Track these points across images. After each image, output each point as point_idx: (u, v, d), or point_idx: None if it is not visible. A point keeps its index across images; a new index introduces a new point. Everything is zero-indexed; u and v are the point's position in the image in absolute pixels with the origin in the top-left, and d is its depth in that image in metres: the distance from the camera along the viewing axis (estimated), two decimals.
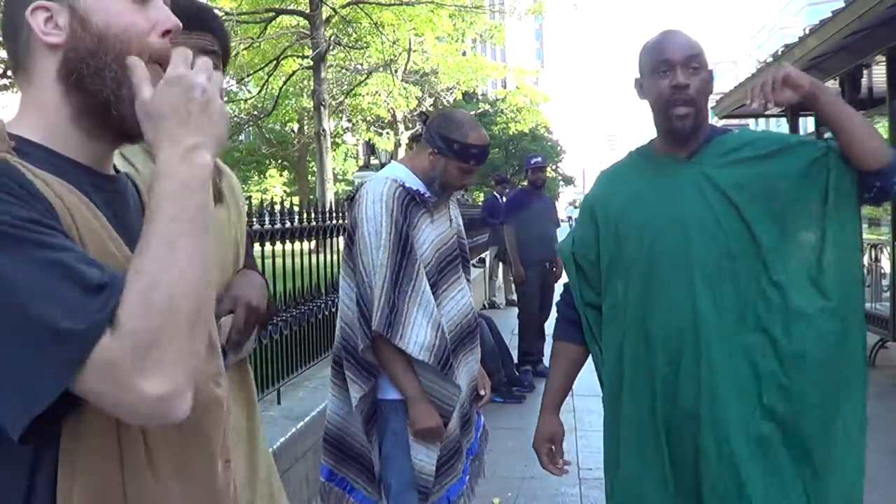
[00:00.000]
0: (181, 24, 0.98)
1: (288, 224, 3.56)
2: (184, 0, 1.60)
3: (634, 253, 1.84)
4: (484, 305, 10.47)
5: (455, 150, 2.31)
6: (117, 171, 1.03)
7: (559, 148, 42.18)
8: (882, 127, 7.22)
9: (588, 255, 1.98)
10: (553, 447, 2.05)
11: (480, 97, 30.56)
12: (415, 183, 2.34)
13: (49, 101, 0.93)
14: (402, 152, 20.89)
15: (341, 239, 3.68)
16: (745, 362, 1.73)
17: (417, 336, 2.19)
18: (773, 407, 1.72)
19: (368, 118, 21.82)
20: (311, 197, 6.51)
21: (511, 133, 31.54)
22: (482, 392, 2.54)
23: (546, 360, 6.77)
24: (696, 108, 1.79)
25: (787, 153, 1.79)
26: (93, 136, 0.95)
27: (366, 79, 18.00)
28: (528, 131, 31.69)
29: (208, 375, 1.01)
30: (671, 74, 1.79)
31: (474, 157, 2.32)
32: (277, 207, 3.51)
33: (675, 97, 1.78)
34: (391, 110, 20.44)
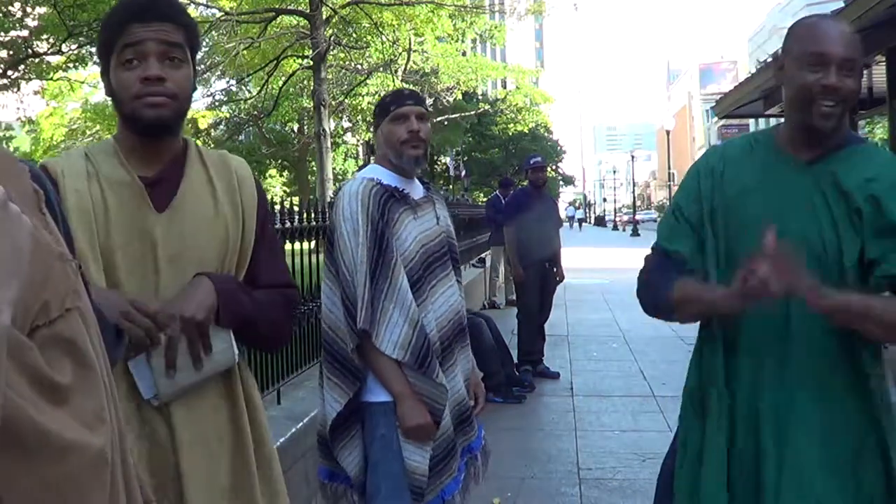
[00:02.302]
0: None
1: (288, 224, 3.56)
2: None
3: (735, 252, 1.72)
4: (484, 305, 10.46)
5: (376, 114, 2.39)
6: None
7: (559, 148, 42.17)
8: (882, 127, 7.23)
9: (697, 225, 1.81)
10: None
11: (480, 97, 30.55)
12: (392, 180, 2.33)
13: None
14: None
15: None
16: (834, 390, 1.65)
17: (392, 334, 2.18)
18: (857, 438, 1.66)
19: (368, 118, 21.82)
20: (311, 197, 6.47)
21: (511, 133, 31.53)
22: (471, 403, 2.44)
23: (546, 361, 6.78)
24: (842, 110, 1.66)
25: None
26: None
27: (366, 79, 18.00)
28: (528, 131, 31.70)
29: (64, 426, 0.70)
30: (824, 72, 1.62)
31: (392, 102, 2.35)
32: (277, 207, 3.51)
33: (823, 96, 1.63)
34: None
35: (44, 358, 0.68)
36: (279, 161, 29.37)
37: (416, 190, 2.40)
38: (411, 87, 18.63)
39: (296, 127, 25.93)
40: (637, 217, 59.05)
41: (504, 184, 11.20)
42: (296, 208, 3.76)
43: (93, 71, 20.66)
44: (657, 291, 1.84)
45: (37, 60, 16.26)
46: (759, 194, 1.72)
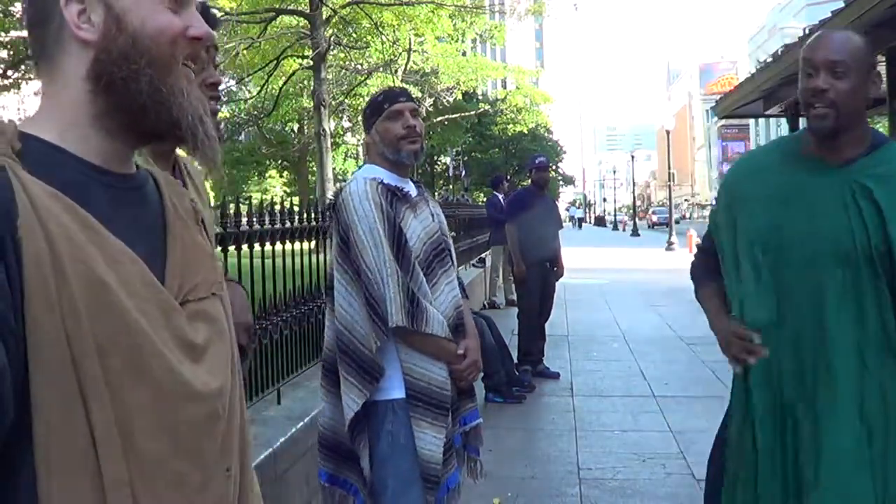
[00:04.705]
0: (214, 35, 0.95)
1: (288, 224, 3.57)
2: None
3: (772, 253, 1.88)
4: (484, 305, 10.45)
5: (368, 115, 2.42)
6: (137, 167, 0.97)
7: (559, 148, 42.18)
8: (882, 127, 7.23)
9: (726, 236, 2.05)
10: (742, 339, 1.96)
11: (480, 97, 30.56)
12: (391, 178, 2.38)
13: (71, 99, 0.88)
14: None
15: None
16: (861, 386, 1.78)
17: (433, 317, 2.26)
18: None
19: None
20: (311, 197, 6.48)
21: (511, 133, 31.51)
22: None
23: (546, 361, 6.78)
24: (836, 111, 1.80)
25: None
26: (115, 137, 0.90)
27: (366, 79, 18.00)
28: (527, 131, 31.68)
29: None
30: (813, 77, 1.82)
31: (386, 100, 2.39)
32: (277, 207, 3.51)
33: (813, 100, 1.81)
34: None
35: (189, 325, 0.89)
36: (279, 161, 29.35)
37: (411, 189, 2.43)
38: (411, 87, 18.67)
39: (296, 127, 25.92)
40: (653, 217, 58.52)
41: (495, 182, 11.18)
42: (296, 208, 3.76)
43: None
44: (695, 288, 2.22)
45: None
46: (794, 198, 1.88)
